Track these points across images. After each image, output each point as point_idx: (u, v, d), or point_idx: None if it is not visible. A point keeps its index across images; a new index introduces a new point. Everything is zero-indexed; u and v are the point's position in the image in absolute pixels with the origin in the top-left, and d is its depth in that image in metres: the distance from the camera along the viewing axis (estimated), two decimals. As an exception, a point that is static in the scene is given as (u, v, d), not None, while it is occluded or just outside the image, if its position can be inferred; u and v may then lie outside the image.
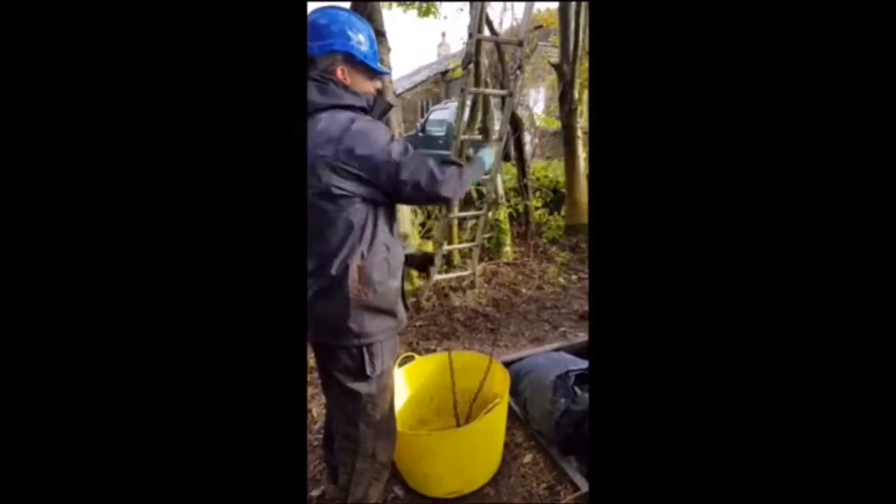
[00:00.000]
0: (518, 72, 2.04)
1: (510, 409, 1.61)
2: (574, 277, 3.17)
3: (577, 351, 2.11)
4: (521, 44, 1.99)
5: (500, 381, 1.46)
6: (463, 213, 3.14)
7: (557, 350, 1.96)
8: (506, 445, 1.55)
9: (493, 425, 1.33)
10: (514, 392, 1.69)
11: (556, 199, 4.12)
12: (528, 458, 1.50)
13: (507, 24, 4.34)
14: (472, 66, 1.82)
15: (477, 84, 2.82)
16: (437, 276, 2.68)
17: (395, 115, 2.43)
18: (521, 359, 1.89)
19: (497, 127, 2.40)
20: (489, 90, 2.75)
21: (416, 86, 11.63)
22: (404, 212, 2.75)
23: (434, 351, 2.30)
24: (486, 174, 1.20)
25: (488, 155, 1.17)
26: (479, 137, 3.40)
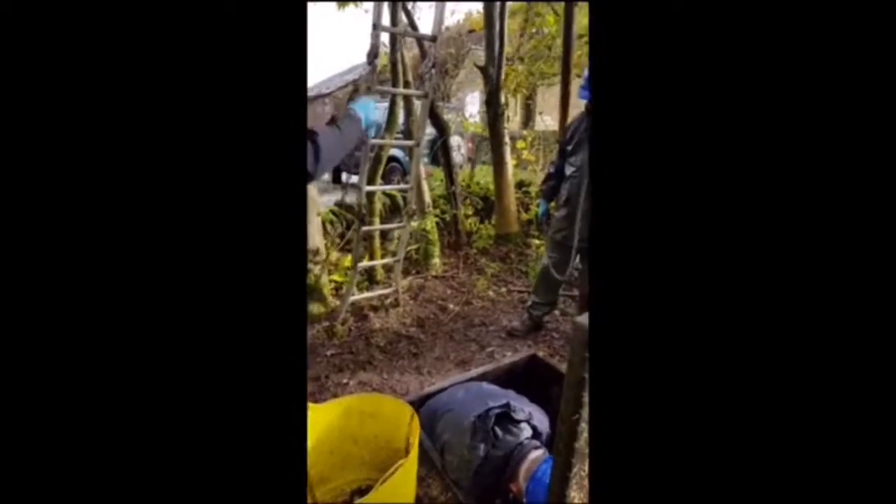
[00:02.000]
0: (432, 71, 1.87)
1: (427, 456, 1.43)
2: (503, 290, 3.10)
3: (504, 374, 2.00)
4: (433, 39, 1.82)
5: (413, 429, 1.27)
6: (385, 226, 2.92)
7: (482, 377, 1.83)
8: (419, 501, 1.36)
9: (397, 489, 1.13)
10: (431, 434, 1.52)
11: (487, 206, 4.07)
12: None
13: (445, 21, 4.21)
14: (377, 61, 1.62)
15: (395, 83, 2.63)
16: (355, 296, 2.43)
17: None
18: (442, 390, 1.72)
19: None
20: (404, 90, 2.56)
21: (347, 84, 11.30)
22: (315, 225, 2.46)
23: (346, 385, 2.05)
24: (366, 129, 1.12)
25: (363, 108, 1.09)
26: (400, 139, 3.20)
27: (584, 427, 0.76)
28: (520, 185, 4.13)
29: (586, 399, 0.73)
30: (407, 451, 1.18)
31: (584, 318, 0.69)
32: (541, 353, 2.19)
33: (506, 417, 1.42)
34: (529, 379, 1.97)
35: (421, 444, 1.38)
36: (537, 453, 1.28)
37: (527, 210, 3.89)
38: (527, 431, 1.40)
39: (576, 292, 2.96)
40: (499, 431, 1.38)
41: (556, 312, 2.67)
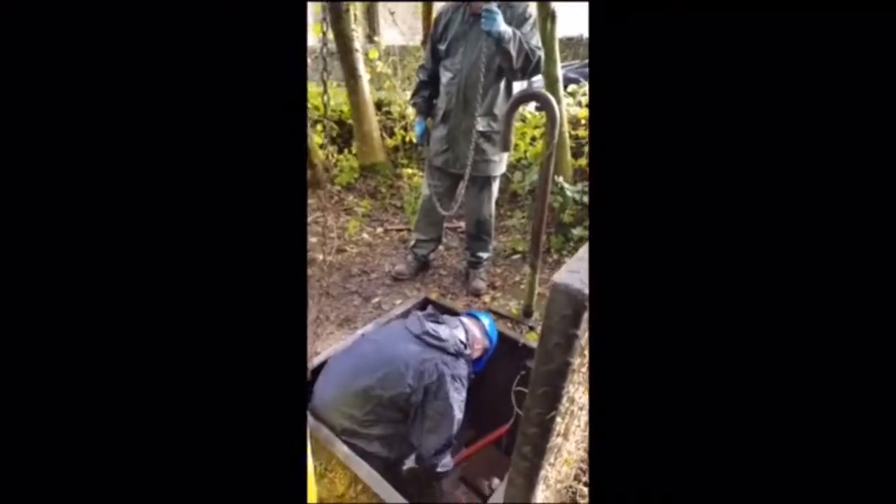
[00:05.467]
0: None
1: (330, 447, 1.17)
2: (379, 230, 2.80)
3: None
4: None
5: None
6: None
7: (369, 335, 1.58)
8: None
9: None
10: (327, 421, 1.26)
11: (344, 132, 3.51)
12: (357, 520, 1.10)
13: None
14: None
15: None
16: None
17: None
18: (324, 364, 1.43)
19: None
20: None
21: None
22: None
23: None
24: None
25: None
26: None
27: (558, 421, 0.58)
28: (378, 105, 3.64)
29: (568, 390, 0.54)
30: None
31: (567, 277, 0.46)
32: (433, 296, 2.06)
33: (436, 314, 1.50)
34: (427, 327, 1.83)
35: (312, 435, 1.13)
36: (470, 319, 1.52)
37: (391, 135, 3.49)
38: (453, 318, 1.52)
39: (461, 225, 2.86)
40: (440, 331, 1.38)
41: (441, 248, 2.53)
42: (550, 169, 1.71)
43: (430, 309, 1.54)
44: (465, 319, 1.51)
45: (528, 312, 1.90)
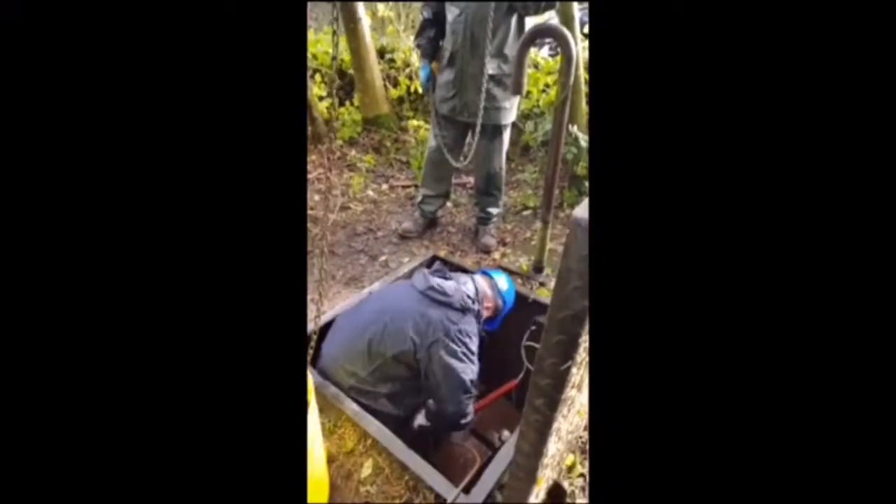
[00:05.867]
0: None
1: (339, 404, 1.18)
2: (385, 187, 2.72)
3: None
4: None
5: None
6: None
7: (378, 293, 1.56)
8: (332, 459, 1.14)
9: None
10: (334, 379, 1.26)
11: (345, 84, 3.34)
12: (367, 469, 1.12)
13: None
14: None
15: None
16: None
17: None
18: (331, 323, 1.42)
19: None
20: None
21: None
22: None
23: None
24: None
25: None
26: None
27: (573, 372, 0.54)
28: (381, 53, 3.43)
29: (584, 339, 0.49)
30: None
31: (584, 211, 0.40)
32: (442, 253, 2.01)
33: (445, 271, 1.45)
34: (435, 284, 1.80)
35: (318, 392, 1.14)
36: (482, 277, 1.47)
37: (395, 84, 3.31)
38: (463, 274, 1.47)
39: (470, 180, 2.76)
40: (446, 287, 1.33)
41: (450, 205, 2.46)
42: (565, 115, 1.59)
43: (437, 265, 1.48)
44: (477, 277, 1.46)
45: (538, 268, 1.85)
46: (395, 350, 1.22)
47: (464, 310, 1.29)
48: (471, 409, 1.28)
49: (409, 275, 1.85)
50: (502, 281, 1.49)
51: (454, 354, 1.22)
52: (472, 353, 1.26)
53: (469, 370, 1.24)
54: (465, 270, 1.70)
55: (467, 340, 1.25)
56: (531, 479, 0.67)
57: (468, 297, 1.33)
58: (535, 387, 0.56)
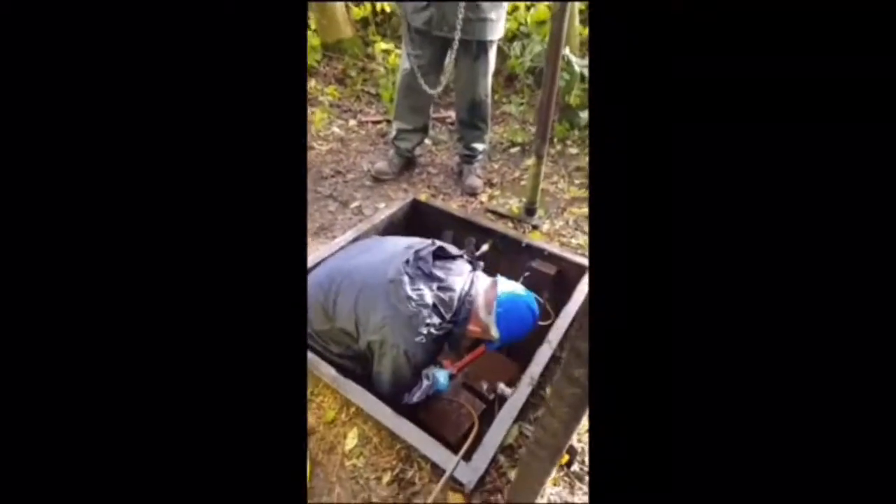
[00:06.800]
0: None
1: (314, 370, 1.05)
2: (352, 123, 2.43)
3: (383, 231, 1.60)
4: None
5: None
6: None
7: (355, 243, 1.38)
8: (311, 432, 1.02)
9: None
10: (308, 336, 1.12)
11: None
12: (352, 440, 1.01)
13: None
14: None
15: None
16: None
17: None
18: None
19: None
20: None
21: None
22: None
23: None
24: None
25: None
26: None
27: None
28: (340, -36, 2.94)
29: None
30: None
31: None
32: (422, 197, 1.82)
33: (442, 254, 1.15)
34: (416, 230, 1.62)
35: None
36: (485, 278, 1.14)
37: (358, 2, 2.88)
38: (466, 265, 1.17)
39: (450, 114, 2.49)
40: (440, 273, 1.09)
41: (429, 142, 2.21)
42: (564, 25, 1.36)
43: (431, 247, 1.13)
44: (482, 283, 1.10)
45: (531, 210, 1.69)
46: (340, 325, 1.06)
47: (416, 326, 1.00)
48: (417, 396, 1.11)
49: (388, 222, 1.66)
50: (511, 308, 1.08)
51: (380, 368, 1.04)
52: (409, 371, 1.05)
53: (387, 390, 1.06)
54: (478, 259, 1.31)
55: (403, 363, 1.02)
56: (554, 460, 0.55)
57: (437, 312, 1.04)
58: (575, 354, 0.42)
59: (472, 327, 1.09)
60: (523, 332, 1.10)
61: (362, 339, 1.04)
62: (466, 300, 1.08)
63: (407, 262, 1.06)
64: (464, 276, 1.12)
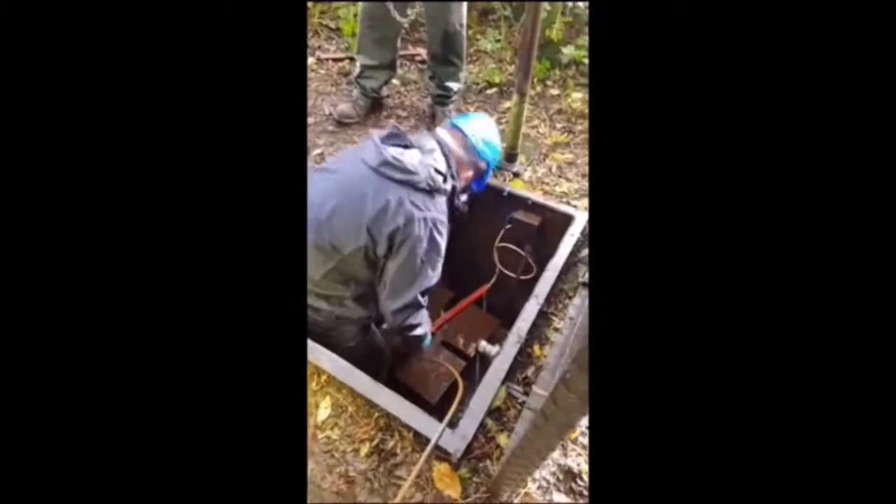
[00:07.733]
0: None
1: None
2: (311, 61, 2.17)
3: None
4: None
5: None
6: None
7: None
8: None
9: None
10: None
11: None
12: (325, 410, 0.93)
13: None
14: None
15: None
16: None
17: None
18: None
19: None
20: None
21: None
22: None
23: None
24: None
25: None
26: None
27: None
28: None
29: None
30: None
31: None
32: (392, 142, 1.66)
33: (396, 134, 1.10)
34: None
35: None
36: (441, 130, 1.16)
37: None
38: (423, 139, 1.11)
39: (420, 50, 2.26)
40: (406, 160, 1.00)
41: (397, 82, 2.00)
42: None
43: (392, 128, 1.11)
44: (443, 136, 1.11)
45: (511, 156, 1.57)
46: (351, 246, 0.96)
47: (432, 191, 1.00)
48: (419, 322, 1.06)
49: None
50: (478, 127, 1.15)
51: (413, 251, 0.96)
52: (438, 254, 1.01)
53: (425, 279, 1.00)
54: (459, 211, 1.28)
55: (435, 234, 0.98)
56: (562, 434, 0.48)
57: (437, 172, 1.02)
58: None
59: (465, 173, 1.14)
60: (497, 136, 1.21)
61: (382, 241, 0.95)
62: (448, 154, 1.08)
63: (376, 146, 1.00)
64: (432, 140, 1.11)
